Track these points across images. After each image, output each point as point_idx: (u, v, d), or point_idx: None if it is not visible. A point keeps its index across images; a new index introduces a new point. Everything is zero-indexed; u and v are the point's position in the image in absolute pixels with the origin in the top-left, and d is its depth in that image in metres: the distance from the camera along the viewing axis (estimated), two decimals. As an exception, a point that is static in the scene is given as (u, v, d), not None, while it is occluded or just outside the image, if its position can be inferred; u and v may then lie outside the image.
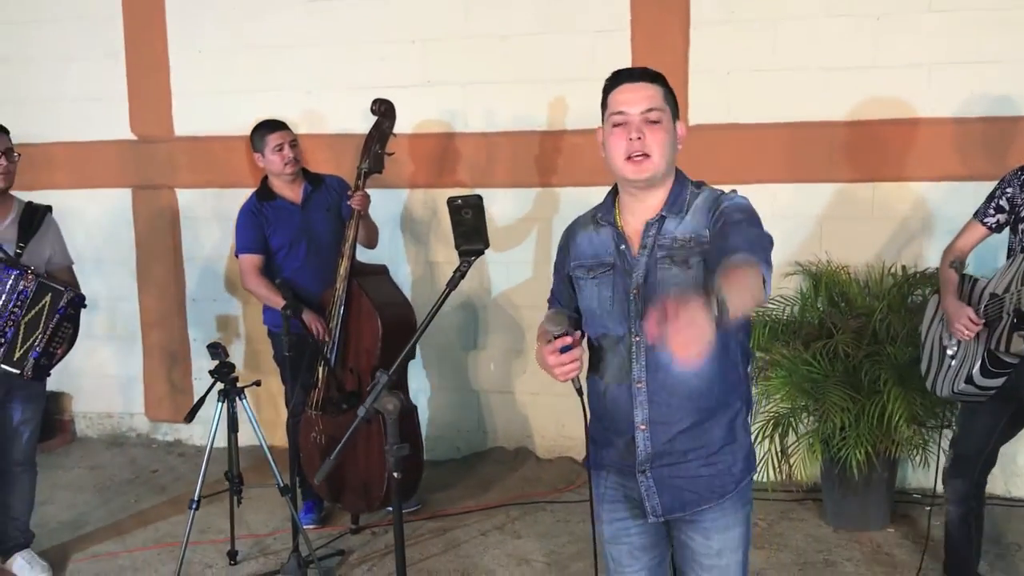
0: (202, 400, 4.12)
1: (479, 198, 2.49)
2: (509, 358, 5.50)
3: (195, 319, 5.95)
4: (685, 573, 2.55)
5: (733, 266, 2.09)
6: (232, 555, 4.35)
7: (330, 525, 4.76)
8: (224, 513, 4.36)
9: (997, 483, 4.75)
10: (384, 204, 5.27)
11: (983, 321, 3.37)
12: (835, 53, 4.78)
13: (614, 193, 2.51)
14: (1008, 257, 3.46)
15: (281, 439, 5.01)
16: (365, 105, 4.58)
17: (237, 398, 4.12)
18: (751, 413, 2.58)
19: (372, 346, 4.49)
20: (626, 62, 5.04)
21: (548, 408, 5.38)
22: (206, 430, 4.19)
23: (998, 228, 3.51)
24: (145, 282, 5.99)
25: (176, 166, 5.83)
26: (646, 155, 2.33)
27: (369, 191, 4.59)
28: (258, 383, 4.41)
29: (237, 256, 4.68)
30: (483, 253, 2.51)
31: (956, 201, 4.30)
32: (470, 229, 2.47)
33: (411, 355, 4.79)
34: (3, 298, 3.92)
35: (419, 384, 5.57)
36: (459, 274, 2.48)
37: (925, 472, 4.62)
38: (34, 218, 4.14)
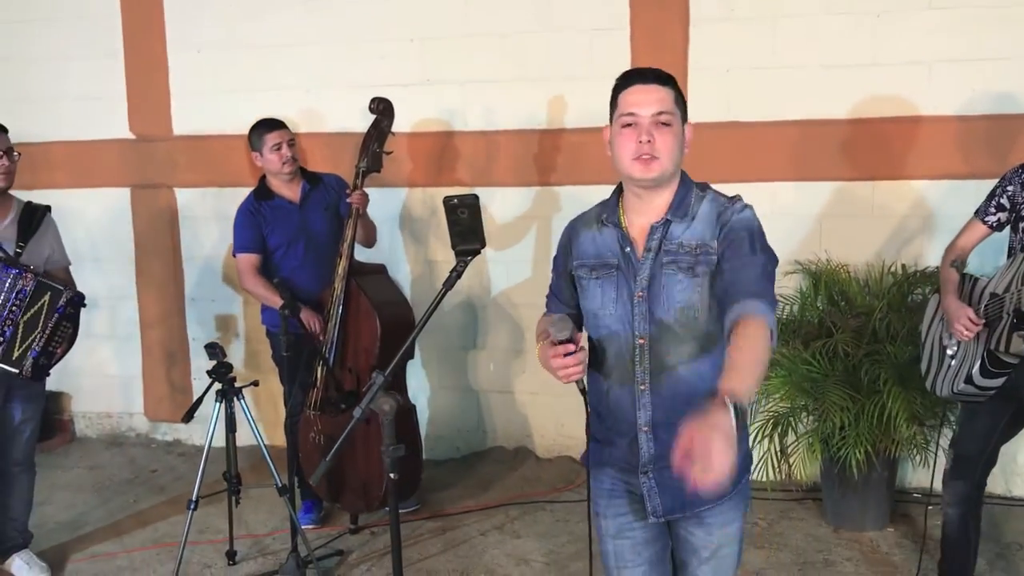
0: (199, 400, 4.12)
1: (475, 197, 2.48)
2: (509, 357, 5.49)
3: (194, 318, 5.94)
4: (685, 564, 2.58)
5: (741, 339, 2.14)
6: (231, 555, 4.35)
7: (329, 525, 4.75)
8: (223, 513, 4.35)
9: (997, 482, 4.74)
10: (383, 203, 5.27)
11: (983, 321, 3.34)
12: (835, 51, 4.76)
13: (618, 193, 2.50)
14: (1008, 256, 3.45)
15: (281, 439, 5.01)
16: (364, 104, 4.57)
17: (235, 398, 4.11)
18: (748, 414, 2.61)
19: (371, 346, 4.48)
20: (625, 60, 5.03)
21: (548, 408, 5.38)
22: (205, 430, 4.18)
23: (999, 227, 3.49)
24: (144, 282, 5.98)
25: (175, 165, 5.82)
26: (654, 157, 2.33)
27: (368, 190, 4.59)
28: (256, 383, 4.41)
29: (235, 255, 4.67)
30: (479, 253, 2.51)
31: (957, 199, 4.28)
32: (466, 229, 2.46)
33: (410, 355, 4.81)
34: (2, 297, 3.91)
35: (418, 383, 5.56)
36: (455, 274, 2.48)
37: (925, 471, 4.60)
38: (33, 218, 4.13)
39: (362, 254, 4.79)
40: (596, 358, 2.49)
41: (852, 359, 4.32)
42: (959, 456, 3.59)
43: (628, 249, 2.41)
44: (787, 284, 4.72)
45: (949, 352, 3.52)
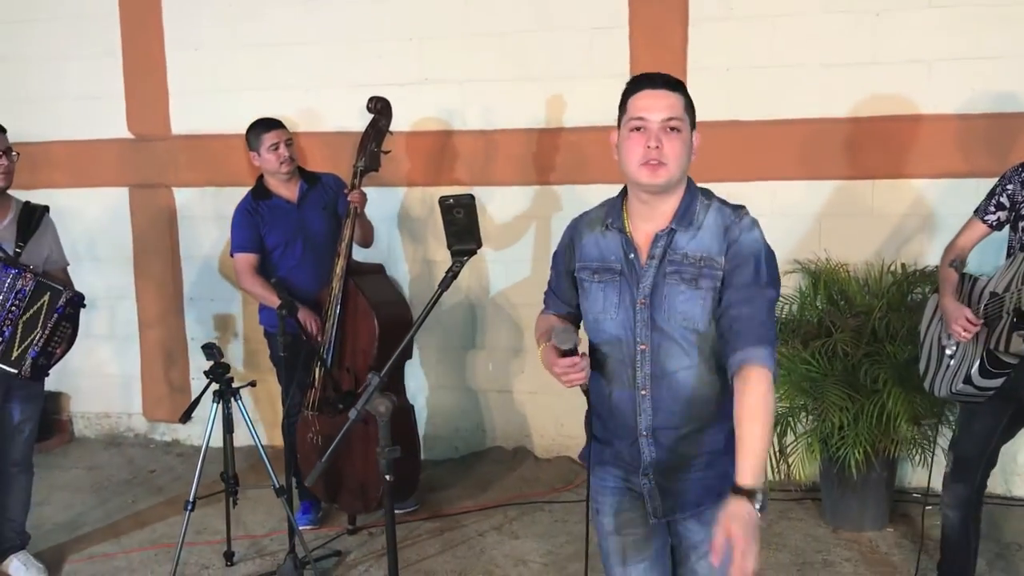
0: (197, 401, 4.11)
1: (471, 197, 2.47)
2: (508, 357, 5.48)
3: (193, 318, 5.93)
4: (684, 559, 2.60)
5: (748, 409, 2.22)
6: (228, 556, 4.34)
7: (327, 526, 4.74)
8: (221, 514, 4.34)
9: (997, 482, 4.72)
10: (382, 202, 5.26)
11: (982, 321, 3.32)
12: (834, 49, 4.75)
13: (623, 196, 2.49)
14: (1008, 255, 3.43)
15: (280, 439, 4.99)
16: (363, 103, 4.57)
17: (232, 399, 4.10)
18: None
19: (368, 346, 4.47)
20: (624, 60, 5.03)
21: (547, 407, 5.37)
22: (204, 430, 4.17)
23: (998, 226, 3.47)
24: (143, 281, 5.97)
25: (173, 165, 5.81)
26: (662, 163, 2.31)
27: (366, 189, 4.58)
28: (253, 384, 4.40)
29: (232, 255, 4.66)
30: (475, 253, 2.49)
31: (957, 198, 4.27)
32: (462, 229, 2.45)
33: (408, 355, 4.81)
34: (1, 296, 3.90)
35: (417, 383, 5.55)
36: (451, 274, 2.47)
37: (924, 471, 4.58)
38: (32, 218, 4.12)
39: (360, 254, 4.78)
40: (597, 361, 2.49)
41: (851, 359, 4.31)
42: (959, 458, 3.56)
43: (632, 256, 2.41)
44: (787, 283, 4.69)
45: (948, 352, 3.49)
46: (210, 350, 4.04)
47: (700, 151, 2.45)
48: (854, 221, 4.83)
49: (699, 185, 2.48)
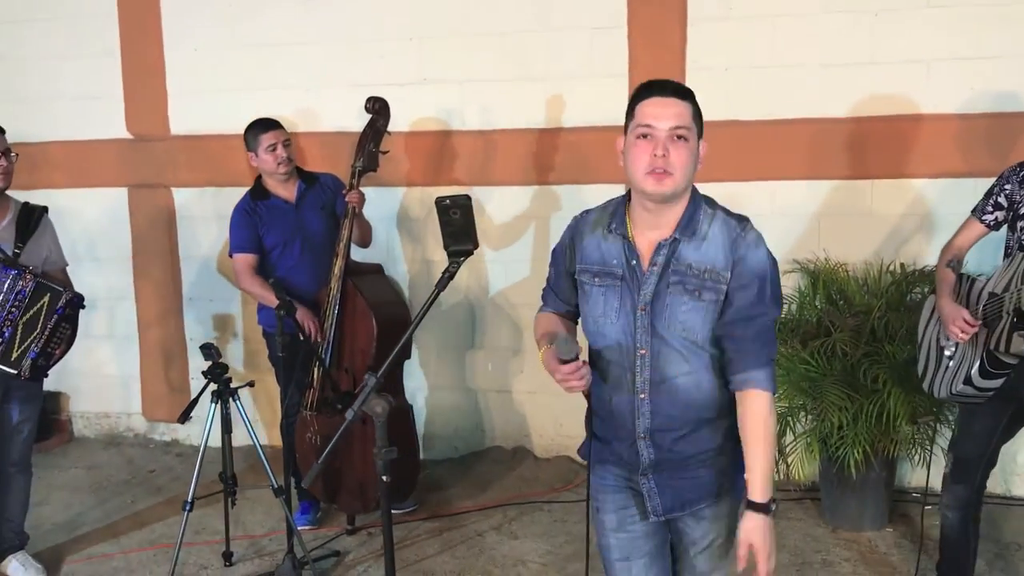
0: (195, 401, 4.11)
1: (467, 198, 2.47)
2: (507, 357, 5.47)
3: (192, 318, 5.93)
4: (683, 554, 2.64)
5: (752, 432, 2.37)
6: (227, 556, 4.33)
7: (326, 526, 4.74)
8: (220, 514, 4.33)
9: (996, 482, 4.71)
10: (380, 202, 5.26)
11: (980, 322, 3.31)
12: (833, 49, 4.75)
13: (626, 200, 2.48)
14: (1006, 255, 3.41)
15: (280, 438, 4.99)
16: (362, 103, 4.56)
17: (231, 399, 4.09)
18: None
19: (367, 346, 4.47)
20: (623, 59, 5.03)
21: (546, 407, 5.36)
22: (203, 430, 4.17)
23: (996, 226, 3.46)
24: (142, 282, 5.97)
25: (172, 165, 5.80)
26: (668, 172, 2.30)
27: (365, 189, 4.58)
28: (252, 384, 4.39)
29: (231, 255, 4.66)
30: (472, 254, 2.49)
31: (956, 198, 4.25)
32: (458, 229, 2.45)
33: (406, 355, 4.80)
34: (1, 297, 3.90)
35: (416, 383, 5.55)
36: (448, 275, 2.47)
37: (924, 471, 4.58)
38: (31, 218, 4.11)
39: (358, 254, 4.78)
40: (596, 363, 2.50)
41: (850, 358, 4.30)
42: (958, 459, 3.54)
43: (634, 262, 2.41)
44: (786, 283, 4.67)
45: (947, 353, 3.48)
46: (208, 350, 4.04)
47: (699, 151, 2.45)
48: (853, 221, 4.83)
49: (701, 190, 2.48)
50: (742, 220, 2.43)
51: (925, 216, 4.74)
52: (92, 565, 4.44)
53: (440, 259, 5.36)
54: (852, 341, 4.30)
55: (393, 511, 4.68)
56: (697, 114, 2.38)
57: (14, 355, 3.98)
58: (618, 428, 2.50)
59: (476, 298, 5.46)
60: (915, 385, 3.93)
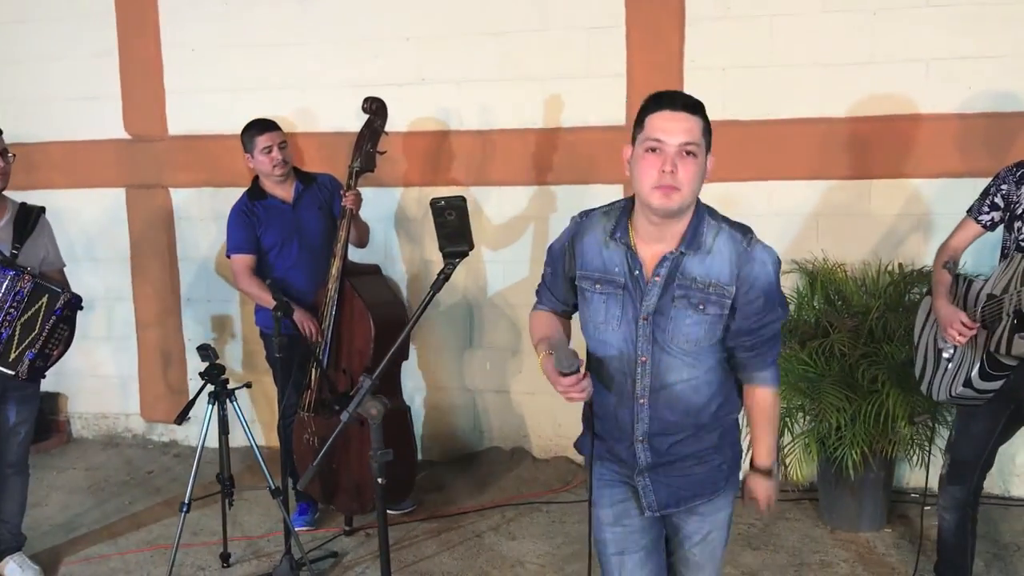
0: (192, 402, 4.11)
1: (462, 199, 2.46)
2: (505, 357, 5.47)
3: (190, 319, 5.92)
4: (678, 547, 2.70)
5: (761, 417, 2.59)
6: (225, 557, 4.33)
7: (324, 527, 4.73)
8: (218, 515, 4.32)
9: (995, 482, 4.72)
10: (378, 202, 5.26)
11: (978, 325, 3.29)
12: (832, 49, 4.74)
13: (629, 207, 2.46)
14: (1002, 255, 3.40)
15: (278, 440, 4.99)
16: (359, 103, 4.55)
17: (228, 400, 4.09)
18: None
19: (365, 347, 4.46)
20: (621, 59, 5.02)
21: (544, 408, 5.36)
22: (200, 431, 4.16)
23: (992, 226, 3.44)
24: (140, 282, 5.96)
25: (170, 165, 5.80)
26: (675, 188, 2.29)
27: (362, 189, 4.57)
28: (249, 385, 4.39)
29: (228, 256, 4.65)
30: (467, 255, 2.49)
31: (954, 198, 4.23)
32: (454, 231, 2.44)
33: (404, 356, 4.80)
34: (-1, 298, 3.91)
35: (415, 384, 5.55)
36: (443, 277, 2.47)
37: (923, 471, 4.57)
38: (29, 219, 4.11)
39: (356, 254, 4.77)
40: (596, 368, 2.50)
41: (849, 359, 4.30)
42: (956, 461, 3.52)
43: (637, 272, 2.41)
44: (784, 284, 4.64)
45: (945, 355, 3.46)
46: (205, 351, 4.03)
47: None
48: (852, 221, 4.82)
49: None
50: (746, 232, 2.43)
51: (923, 216, 4.73)
52: (90, 566, 4.43)
53: (438, 259, 5.29)
54: (850, 341, 4.30)
55: (391, 512, 4.73)
56: (707, 129, 2.36)
57: (12, 356, 3.97)
58: (616, 430, 2.53)
59: (474, 298, 5.45)
60: (913, 385, 3.93)
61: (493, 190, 5.31)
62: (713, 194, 2.51)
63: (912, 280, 4.55)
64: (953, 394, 3.40)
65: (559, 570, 4.22)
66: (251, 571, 4.32)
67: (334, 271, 4.47)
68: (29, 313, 3.97)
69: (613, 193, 4.99)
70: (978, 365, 3.28)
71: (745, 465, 2.70)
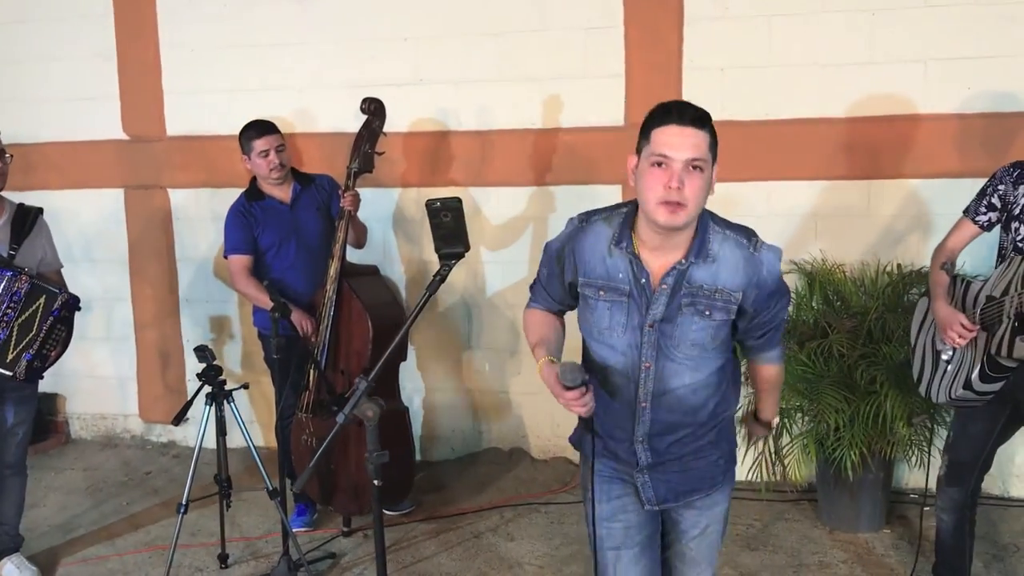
0: (189, 403, 4.10)
1: (458, 200, 2.46)
2: (504, 358, 5.46)
3: (189, 320, 5.92)
4: (674, 542, 2.72)
5: (767, 384, 2.74)
6: (223, 558, 4.32)
7: (323, 528, 4.73)
8: (216, 516, 4.31)
9: (994, 483, 4.72)
10: (376, 203, 5.26)
11: (978, 327, 3.27)
12: (831, 49, 4.74)
13: (632, 215, 2.44)
14: (999, 255, 3.39)
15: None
16: (358, 104, 4.54)
17: (225, 401, 4.08)
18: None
19: (363, 348, 4.46)
20: (620, 59, 5.02)
21: (543, 408, 5.35)
22: (197, 432, 4.16)
23: (989, 226, 3.43)
24: (138, 283, 5.96)
25: (169, 166, 5.79)
26: (681, 204, 2.27)
27: (361, 190, 4.56)
28: (246, 386, 4.38)
29: (226, 257, 4.65)
30: (463, 257, 2.48)
31: (953, 198, 4.22)
32: (449, 232, 2.44)
33: (402, 357, 4.79)
34: (-4, 299, 3.90)
35: (414, 384, 5.54)
36: (439, 278, 2.47)
37: (921, 472, 4.57)
38: (26, 220, 4.10)
39: (355, 255, 4.77)
40: (599, 373, 2.50)
41: (847, 360, 4.29)
42: (954, 462, 3.50)
43: (644, 281, 2.40)
44: (783, 284, 4.69)
45: (944, 357, 3.44)
46: (202, 352, 4.02)
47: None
48: (850, 221, 4.82)
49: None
50: (750, 236, 2.43)
51: (923, 216, 4.73)
52: (87, 567, 4.42)
53: (437, 260, 5.30)
54: (849, 342, 4.29)
55: (390, 512, 4.73)
56: (714, 141, 2.33)
57: (9, 357, 3.97)
58: (617, 431, 2.54)
59: (473, 299, 5.45)
60: (911, 387, 3.92)
61: (492, 190, 5.31)
62: (712, 195, 2.49)
63: (911, 281, 4.54)
64: (953, 396, 3.39)
65: (557, 571, 4.22)
66: (249, 572, 4.32)
67: (332, 272, 4.46)
68: (26, 314, 3.97)
69: (612, 193, 5.00)
70: (978, 367, 3.26)
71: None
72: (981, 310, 3.29)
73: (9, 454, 4.18)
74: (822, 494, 4.58)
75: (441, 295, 5.43)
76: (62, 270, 4.30)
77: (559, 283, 2.58)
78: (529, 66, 5.17)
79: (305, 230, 4.62)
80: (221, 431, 4.07)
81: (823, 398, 4.19)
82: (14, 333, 3.96)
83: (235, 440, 4.32)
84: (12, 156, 4.05)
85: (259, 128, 4.54)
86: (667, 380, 2.45)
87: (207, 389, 4.06)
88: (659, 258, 2.39)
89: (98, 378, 6.09)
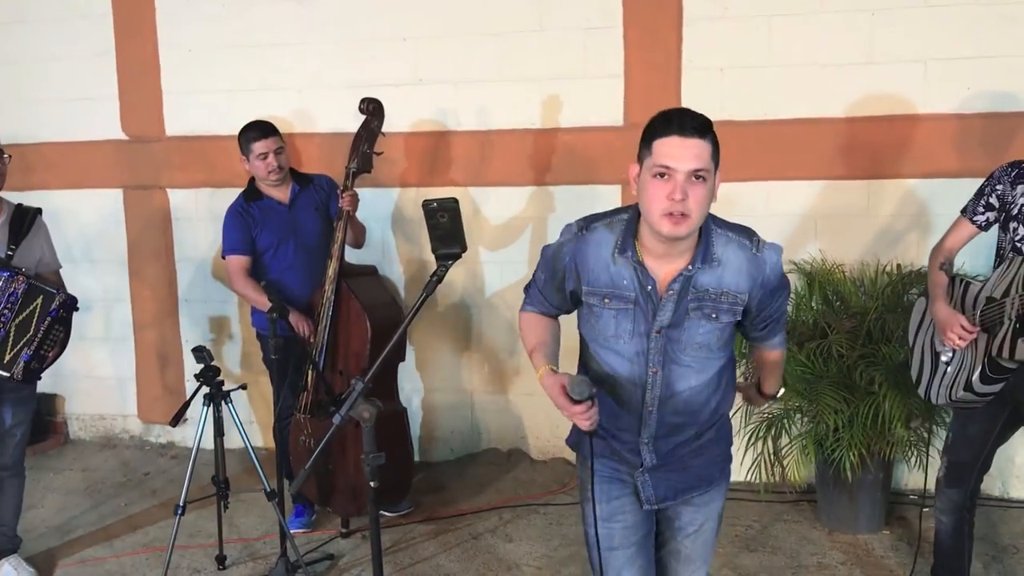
0: (187, 404, 4.09)
1: (455, 201, 2.46)
2: (503, 359, 5.46)
3: (188, 320, 5.91)
4: (669, 540, 2.73)
5: (771, 365, 2.78)
6: (221, 560, 4.32)
7: (321, 529, 4.72)
8: (214, 517, 4.30)
9: (994, 484, 4.71)
10: (375, 203, 5.26)
11: (978, 328, 3.25)
12: (830, 49, 4.73)
13: (633, 222, 2.42)
14: (997, 256, 3.38)
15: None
16: (357, 104, 4.53)
17: (223, 402, 4.07)
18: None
19: (361, 348, 4.45)
20: (619, 59, 5.01)
21: (542, 409, 5.33)
22: (195, 433, 4.15)
23: (987, 226, 3.41)
24: (137, 283, 5.95)
25: (168, 166, 5.79)
26: (685, 215, 2.26)
27: (360, 190, 4.56)
28: (244, 387, 4.38)
29: (224, 257, 4.64)
30: (460, 257, 2.47)
31: (953, 198, 4.19)
32: (446, 233, 2.44)
33: (400, 358, 4.79)
34: (-7, 299, 3.89)
35: (413, 385, 5.54)
36: (436, 279, 2.46)
37: (921, 473, 4.55)
38: (24, 220, 4.10)
39: (353, 255, 4.76)
40: (605, 380, 2.50)
41: (847, 360, 4.28)
42: (953, 463, 3.49)
43: (650, 288, 2.39)
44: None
45: (944, 359, 3.42)
46: (200, 353, 4.01)
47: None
48: (850, 221, 4.81)
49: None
50: (752, 237, 2.43)
51: (922, 216, 4.72)
52: (85, 568, 4.42)
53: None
54: (848, 343, 4.28)
55: (388, 514, 4.73)
56: (716, 149, 2.31)
57: (6, 357, 3.97)
58: (622, 433, 2.55)
59: (472, 299, 5.44)
60: (910, 388, 3.90)
61: (491, 191, 5.30)
62: (714, 201, 2.48)
63: (911, 281, 4.53)
64: (953, 398, 3.37)
65: (556, 572, 4.21)
66: (247, 573, 4.31)
67: (331, 272, 4.45)
68: (24, 315, 3.96)
69: (611, 193, 5.00)
70: (979, 369, 3.25)
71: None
72: (981, 311, 3.28)
73: (7, 455, 4.18)
74: (821, 495, 4.57)
75: (440, 295, 5.43)
76: (61, 270, 4.29)
77: (557, 290, 2.57)
78: (528, 66, 5.17)
79: (303, 230, 4.61)
80: (219, 432, 4.06)
81: (822, 399, 4.18)
82: (11, 333, 3.96)
83: (234, 441, 4.32)
84: (10, 156, 4.04)
85: (258, 130, 4.53)
86: (674, 384, 2.46)
87: (205, 390, 4.05)
88: (664, 265, 2.39)
89: (97, 378, 6.09)
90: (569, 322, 2.66)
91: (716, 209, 2.47)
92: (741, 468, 4.39)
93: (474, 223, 5.23)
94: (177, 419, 4.07)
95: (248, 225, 4.56)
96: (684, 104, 4.79)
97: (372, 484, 2.50)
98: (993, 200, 3.37)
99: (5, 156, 3.99)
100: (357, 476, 4.43)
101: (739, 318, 2.45)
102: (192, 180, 5.75)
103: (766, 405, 3.21)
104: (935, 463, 3.93)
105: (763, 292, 2.43)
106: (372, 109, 4.50)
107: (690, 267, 2.37)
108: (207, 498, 4.31)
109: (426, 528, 4.69)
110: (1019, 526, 4.48)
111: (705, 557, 2.73)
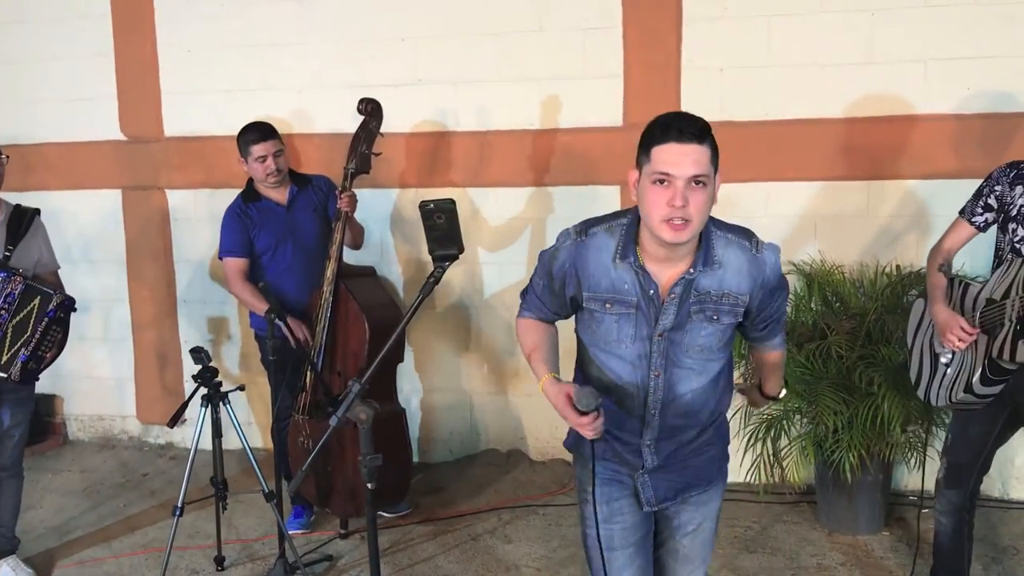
0: (185, 405, 4.09)
1: (452, 202, 2.45)
2: (502, 359, 5.45)
3: (187, 321, 5.90)
4: (668, 539, 2.73)
5: (772, 366, 2.79)
6: (219, 561, 4.31)
7: (320, 530, 4.71)
8: (213, 518, 4.30)
9: (993, 485, 4.71)
10: (374, 204, 5.25)
11: (978, 330, 3.24)
12: (830, 49, 4.73)
13: (633, 226, 2.41)
14: (995, 256, 3.37)
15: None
16: (356, 104, 4.53)
17: (221, 403, 4.07)
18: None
19: (359, 349, 4.44)
20: (618, 59, 5.00)
21: (541, 410, 5.31)
22: (193, 434, 4.15)
23: (985, 227, 3.40)
24: (136, 284, 5.95)
25: (166, 166, 5.78)
26: (686, 221, 2.25)
27: (359, 191, 4.55)
28: (242, 387, 4.37)
29: (221, 259, 4.63)
30: (457, 258, 2.46)
31: (952, 199, 4.18)
32: (443, 234, 2.43)
33: (398, 359, 4.78)
34: (-9, 300, 3.89)
35: (412, 386, 5.53)
36: (433, 280, 2.45)
37: (920, 474, 4.55)
38: (23, 220, 4.10)
39: (352, 256, 4.75)
40: (607, 384, 2.49)
41: (846, 361, 4.28)
42: (953, 465, 3.47)
43: (652, 292, 2.39)
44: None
45: (943, 361, 3.41)
46: (198, 354, 4.01)
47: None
48: (849, 222, 4.80)
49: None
50: (751, 237, 2.43)
51: (921, 217, 4.71)
52: (83, 569, 4.41)
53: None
54: (847, 344, 4.28)
55: (387, 515, 4.72)
56: (715, 154, 2.29)
57: (4, 358, 3.97)
58: (623, 435, 2.55)
59: (471, 300, 5.43)
60: (910, 389, 3.90)
61: (490, 191, 5.29)
62: (714, 204, 2.47)
63: (910, 282, 4.52)
64: (953, 400, 3.36)
65: (555, 573, 4.20)
66: (245, 574, 4.31)
67: (329, 273, 4.45)
68: (21, 315, 3.96)
69: (611, 193, 5.00)
70: (979, 371, 3.24)
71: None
72: (981, 313, 3.26)
73: (5, 456, 4.17)
74: (821, 496, 4.56)
75: (439, 296, 5.42)
76: (59, 271, 4.29)
77: (556, 295, 2.55)
78: (528, 66, 5.16)
79: (302, 231, 4.61)
80: (217, 433, 4.06)
81: (822, 400, 4.18)
82: (8, 334, 3.96)
83: (232, 442, 4.31)
84: (8, 157, 4.04)
85: (258, 132, 4.51)
86: (676, 387, 2.46)
87: (203, 391, 4.05)
88: (666, 269, 2.38)
89: (96, 379, 6.08)
90: (565, 324, 2.66)
91: (716, 210, 2.46)
92: (741, 469, 4.38)
93: (473, 224, 5.22)
94: (175, 420, 4.07)
95: (246, 226, 4.55)
96: (684, 104, 4.84)
97: (369, 485, 2.49)
98: (992, 201, 3.36)
99: (3, 156, 4.00)
100: (355, 477, 4.43)
101: (740, 319, 2.46)
102: (191, 181, 5.75)
103: (767, 406, 3.15)
104: (934, 464, 3.93)
105: (763, 292, 2.43)
106: (370, 110, 4.49)
107: (692, 270, 2.37)
108: (206, 499, 4.31)
109: (425, 529, 4.68)
110: (1019, 527, 4.47)
111: (704, 556, 2.73)
